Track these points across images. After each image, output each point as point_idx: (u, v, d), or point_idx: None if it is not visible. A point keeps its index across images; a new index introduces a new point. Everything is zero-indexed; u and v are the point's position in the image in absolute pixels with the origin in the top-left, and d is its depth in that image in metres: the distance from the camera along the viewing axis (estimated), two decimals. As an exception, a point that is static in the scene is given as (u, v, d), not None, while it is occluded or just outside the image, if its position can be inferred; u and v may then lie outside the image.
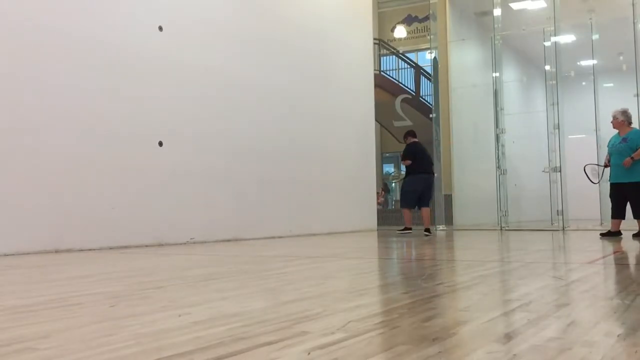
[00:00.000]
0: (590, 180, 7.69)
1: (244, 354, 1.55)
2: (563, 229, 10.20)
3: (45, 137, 5.99)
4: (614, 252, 5.19)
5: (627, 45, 10.91)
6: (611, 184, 7.23)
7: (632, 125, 7.30)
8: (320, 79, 10.18)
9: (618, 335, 1.71)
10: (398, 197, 18.86)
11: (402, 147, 9.70)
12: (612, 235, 7.06)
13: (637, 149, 6.92)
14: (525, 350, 1.54)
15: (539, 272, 3.59)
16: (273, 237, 8.67)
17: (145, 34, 7.09)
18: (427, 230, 9.16)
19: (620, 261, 4.53)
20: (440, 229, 11.19)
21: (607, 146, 7.44)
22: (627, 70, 11.96)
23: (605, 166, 7.36)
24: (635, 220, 7.01)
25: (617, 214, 7.14)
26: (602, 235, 7.20)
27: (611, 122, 7.37)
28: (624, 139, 7.08)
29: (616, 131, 7.33)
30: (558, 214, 10.86)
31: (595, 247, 5.91)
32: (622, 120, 7.20)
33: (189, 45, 7.66)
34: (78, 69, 6.32)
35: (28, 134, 5.86)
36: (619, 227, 7.12)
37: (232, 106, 8.31)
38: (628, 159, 6.89)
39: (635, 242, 6.34)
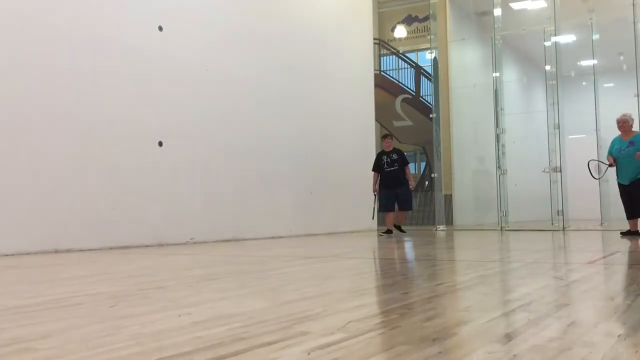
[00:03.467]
0: (592, 175, 7.76)
1: (244, 354, 1.54)
2: (563, 229, 10.19)
3: (45, 137, 5.99)
4: (631, 251, 5.23)
5: (627, 45, 10.89)
6: (622, 185, 7.34)
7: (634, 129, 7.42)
8: (320, 79, 10.18)
9: (619, 336, 1.71)
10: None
11: (402, 147, 9.62)
12: (633, 234, 7.26)
13: None
14: (525, 350, 1.54)
15: (539, 272, 3.59)
16: (273, 237, 8.66)
17: (145, 34, 7.09)
18: None
19: (621, 261, 4.53)
20: (441, 229, 11.18)
21: (612, 150, 7.46)
22: (627, 70, 11.93)
23: (610, 165, 7.44)
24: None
25: (632, 214, 7.30)
26: (623, 234, 7.39)
27: (621, 126, 7.36)
28: (631, 143, 7.18)
29: (610, 133, 7.45)
30: (558, 214, 10.85)
31: (595, 247, 5.90)
32: (631, 123, 7.34)
33: (189, 45, 7.65)
34: (78, 69, 6.32)
35: (28, 134, 5.86)
36: (637, 226, 7.28)
37: (232, 106, 8.31)
38: None
39: (634, 242, 6.33)
